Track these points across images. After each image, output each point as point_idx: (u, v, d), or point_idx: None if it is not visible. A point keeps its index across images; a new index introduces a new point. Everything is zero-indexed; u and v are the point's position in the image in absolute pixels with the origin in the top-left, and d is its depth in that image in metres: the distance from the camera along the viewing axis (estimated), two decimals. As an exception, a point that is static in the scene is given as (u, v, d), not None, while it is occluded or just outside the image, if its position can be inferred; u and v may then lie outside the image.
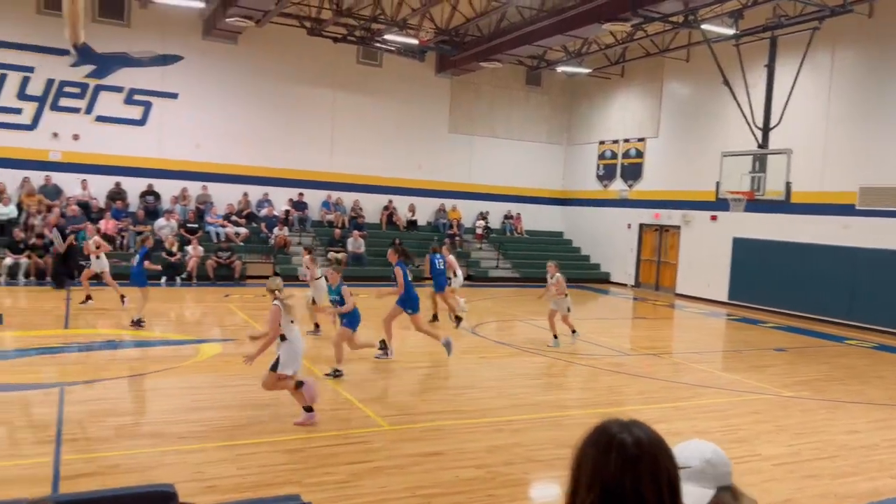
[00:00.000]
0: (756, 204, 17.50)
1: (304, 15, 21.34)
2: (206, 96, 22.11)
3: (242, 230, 21.63)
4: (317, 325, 13.10)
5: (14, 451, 6.32)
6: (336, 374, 9.50)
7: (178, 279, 19.06)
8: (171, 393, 8.66)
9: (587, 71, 24.72)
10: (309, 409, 7.36)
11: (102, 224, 19.37)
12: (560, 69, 24.70)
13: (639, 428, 1.62)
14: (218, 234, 21.14)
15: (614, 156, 25.98)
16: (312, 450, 6.60)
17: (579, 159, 27.69)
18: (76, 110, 20.66)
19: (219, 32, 21.29)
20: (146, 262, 13.11)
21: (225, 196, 22.33)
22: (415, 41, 21.17)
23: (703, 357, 13.08)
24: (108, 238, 19.32)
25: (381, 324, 11.08)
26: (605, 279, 25.68)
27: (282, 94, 23.09)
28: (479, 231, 25.93)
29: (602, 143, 26.56)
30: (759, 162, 16.85)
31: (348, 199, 24.23)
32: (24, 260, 17.54)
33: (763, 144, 17.35)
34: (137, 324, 12.52)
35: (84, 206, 19.93)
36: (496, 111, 26.78)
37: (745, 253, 20.28)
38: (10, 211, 18.99)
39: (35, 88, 20.12)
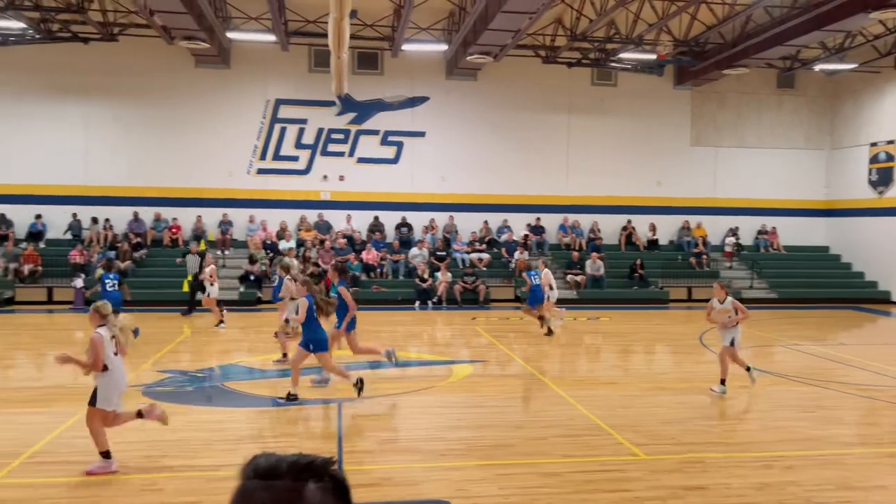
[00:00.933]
0: None
1: (539, 44, 21.89)
2: (449, 132, 23.56)
3: (485, 256, 22.54)
4: (285, 355, 11.92)
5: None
6: (290, 398, 9.08)
7: (429, 303, 20.38)
8: (431, 411, 9.26)
9: (851, 67, 22.18)
10: (106, 456, 6.52)
11: (364, 254, 21.42)
12: (818, 68, 22.47)
13: None
14: (463, 261, 22.27)
15: (890, 158, 22.85)
16: (569, 475, 6.64)
17: (846, 164, 24.78)
18: (341, 154, 23.19)
19: (460, 71, 22.63)
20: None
21: (468, 224, 23.49)
22: (652, 56, 20.66)
23: None
24: (369, 267, 21.33)
25: (353, 353, 10.54)
26: (884, 299, 22.55)
27: (518, 123, 23.81)
28: (728, 248, 24.27)
29: (874, 144, 23.52)
30: None
31: (585, 221, 24.13)
32: (302, 288, 19.95)
33: None
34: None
35: (349, 238, 22.21)
36: (744, 119, 25.02)
37: None
38: (291, 245, 21.77)
39: (308, 138, 22.98)
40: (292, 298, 11.18)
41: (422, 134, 23.50)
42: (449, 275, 20.93)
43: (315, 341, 9.16)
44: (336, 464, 1.38)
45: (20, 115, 21.46)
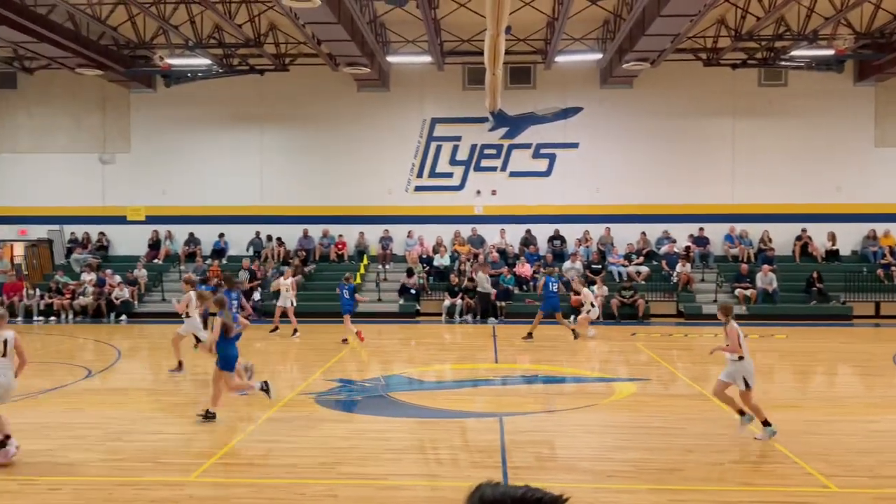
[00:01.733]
0: None
1: (699, 47, 20.92)
2: (604, 142, 23.06)
3: (644, 269, 21.75)
4: (180, 364, 12.23)
5: (466, 474, 7.21)
6: (208, 416, 8.90)
7: (585, 318, 19.92)
8: (596, 430, 9.01)
9: None
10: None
11: (518, 268, 21.43)
12: None
13: None
14: (620, 274, 21.62)
15: None
16: (749, 505, 6.18)
17: None
18: (493, 169, 23.41)
19: (615, 79, 22.12)
20: None
21: (625, 236, 22.80)
22: (829, 52, 19.06)
23: None
24: (521, 280, 21.29)
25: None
26: None
27: (678, 130, 22.85)
28: (925, 259, 21.72)
29: None
30: None
31: (754, 230, 22.60)
32: (458, 301, 20.29)
33: None
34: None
35: (502, 252, 22.31)
36: (939, 115, 22.38)
37: None
38: (446, 260, 22.25)
39: (462, 154, 23.43)
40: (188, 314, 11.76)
41: (575, 145, 23.18)
42: (605, 288, 20.39)
43: (221, 358, 9.09)
44: (567, 502, 1.33)
45: (207, 143, 23.69)
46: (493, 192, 23.42)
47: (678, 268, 21.31)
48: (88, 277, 21.04)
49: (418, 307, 20.91)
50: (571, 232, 23.02)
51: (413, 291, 20.98)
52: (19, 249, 24.88)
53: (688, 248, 22.32)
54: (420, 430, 9.00)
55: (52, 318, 20.56)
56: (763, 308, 20.17)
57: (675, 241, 22.40)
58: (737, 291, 20.65)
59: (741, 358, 8.14)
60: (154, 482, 6.79)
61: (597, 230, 23.07)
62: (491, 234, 23.19)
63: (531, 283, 21.33)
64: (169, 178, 23.74)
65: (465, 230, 23.25)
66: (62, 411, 9.76)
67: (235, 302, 12.68)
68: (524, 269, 21.57)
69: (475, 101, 22.19)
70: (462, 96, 23.26)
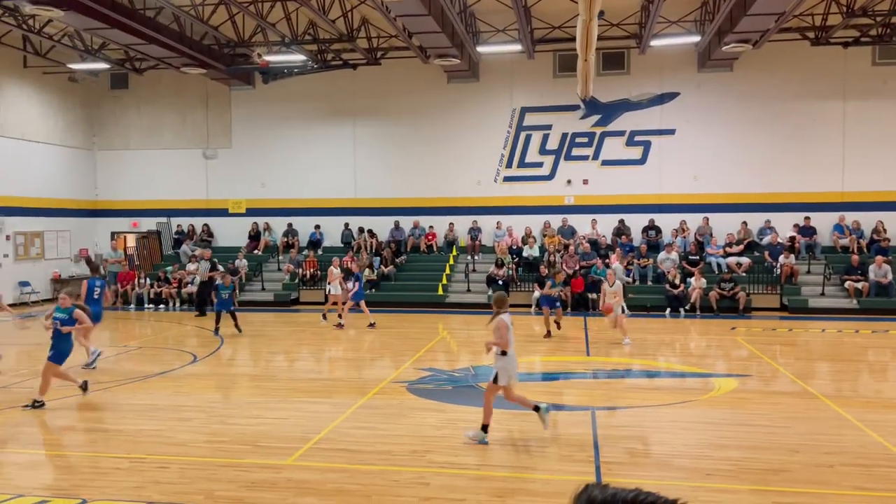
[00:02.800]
0: None
1: (806, 25, 19.74)
2: (702, 127, 22.17)
3: (744, 260, 20.80)
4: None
5: (558, 467, 7.12)
6: (36, 405, 9.28)
7: (681, 311, 19.29)
8: (692, 427, 8.69)
9: None
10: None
11: (611, 258, 20.94)
12: None
13: None
14: (719, 265, 20.77)
15: None
16: (863, 511, 5.80)
17: None
18: (585, 158, 22.95)
19: (714, 63, 21.19)
20: None
21: (724, 226, 21.85)
22: (955, 25, 17.55)
23: None
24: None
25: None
26: None
27: (782, 114, 21.67)
28: None
29: None
30: None
31: (867, 220, 21.17)
32: (548, 293, 20.05)
33: None
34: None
35: (593, 243, 21.87)
36: None
37: None
38: (535, 251, 22.02)
39: (552, 143, 23.10)
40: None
41: (671, 132, 22.39)
42: (703, 280, 19.63)
43: (55, 350, 9.55)
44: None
45: (302, 137, 24.40)
46: (585, 182, 22.97)
47: (781, 259, 20.25)
48: (193, 267, 22.13)
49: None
50: (668, 222, 22.28)
51: (501, 282, 20.90)
52: (131, 241, 26.46)
53: (792, 238, 21.16)
54: (511, 421, 8.93)
55: (161, 305, 21.79)
56: (876, 302, 18.89)
57: (776, 232, 21.27)
58: (847, 284, 19.43)
59: (504, 353, 7.82)
60: (254, 464, 7.07)
61: (694, 220, 22.22)
62: (582, 224, 22.78)
63: (629, 274, 20.74)
64: (267, 171, 24.62)
65: (555, 221, 22.93)
66: (169, 394, 10.31)
67: (100, 289, 12.83)
68: (615, 260, 21.03)
69: (566, 89, 21.81)
70: (552, 84, 22.91)
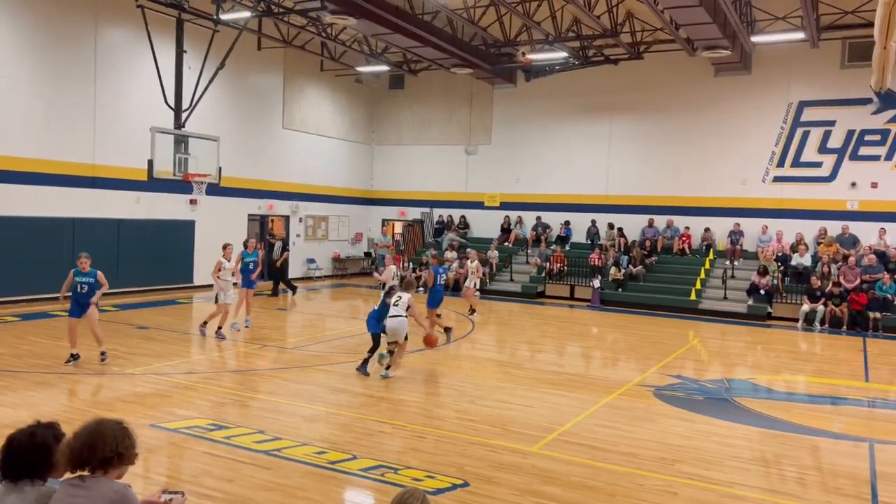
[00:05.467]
0: None
1: None
2: None
3: None
4: None
5: (823, 498, 6.43)
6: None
7: None
8: None
9: None
10: None
11: (901, 275, 18.26)
12: None
13: None
14: None
15: None
16: None
17: None
18: (875, 158, 20.23)
19: None
20: None
21: None
22: None
23: None
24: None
25: None
26: None
27: None
28: None
29: None
30: None
31: None
32: (820, 307, 18.07)
33: None
34: None
35: (881, 255, 19.23)
36: None
37: None
38: (805, 260, 19.95)
39: (835, 141, 20.69)
40: None
41: None
42: None
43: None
44: None
45: (557, 133, 24.68)
46: (874, 185, 20.25)
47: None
48: (450, 255, 23.54)
49: (770, 310, 19.14)
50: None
51: (763, 292, 19.27)
52: (398, 228, 28.93)
53: None
54: (769, 441, 8.29)
55: (419, 289, 23.50)
56: None
57: None
58: None
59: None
60: (502, 447, 7.41)
61: None
62: (866, 233, 20.12)
63: (918, 294, 18.01)
64: (521, 167, 25.33)
65: (833, 227, 20.53)
66: (426, 370, 11.16)
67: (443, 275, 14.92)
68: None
69: (854, 81, 19.35)
70: (839, 75, 20.47)
